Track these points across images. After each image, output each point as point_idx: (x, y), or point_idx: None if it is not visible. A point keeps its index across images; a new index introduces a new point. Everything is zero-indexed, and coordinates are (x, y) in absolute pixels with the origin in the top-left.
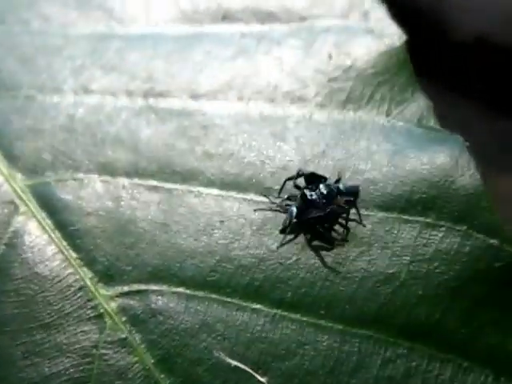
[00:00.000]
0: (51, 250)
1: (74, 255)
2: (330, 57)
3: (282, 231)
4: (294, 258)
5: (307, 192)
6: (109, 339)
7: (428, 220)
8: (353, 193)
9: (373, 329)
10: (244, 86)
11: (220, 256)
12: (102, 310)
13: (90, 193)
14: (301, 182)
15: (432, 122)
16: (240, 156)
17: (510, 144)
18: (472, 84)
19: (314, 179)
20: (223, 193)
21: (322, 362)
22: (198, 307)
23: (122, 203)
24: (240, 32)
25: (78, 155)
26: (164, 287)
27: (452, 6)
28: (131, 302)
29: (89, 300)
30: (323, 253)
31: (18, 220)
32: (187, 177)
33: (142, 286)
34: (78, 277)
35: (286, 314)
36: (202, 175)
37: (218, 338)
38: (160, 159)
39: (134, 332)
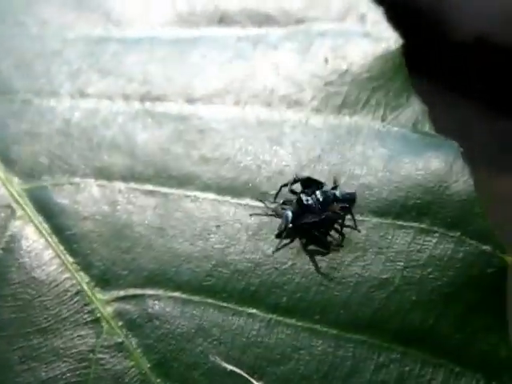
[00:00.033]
0: (48, 254)
1: (71, 260)
2: (327, 61)
3: (278, 236)
4: (290, 263)
5: (303, 197)
6: (105, 344)
7: (422, 226)
8: (349, 200)
9: (367, 334)
10: (240, 90)
11: (216, 261)
12: (98, 315)
13: (86, 197)
14: (297, 187)
15: (427, 127)
16: (236, 160)
17: (510, 144)
18: (472, 84)
19: (310, 184)
20: (219, 197)
21: (316, 366)
22: (194, 312)
23: (119, 207)
24: (236, 35)
25: (75, 159)
26: (160, 292)
27: (452, 6)
28: (127, 307)
29: (85, 304)
30: (318, 258)
31: (15, 224)
32: (183, 181)
33: (139, 291)
34: (74, 281)
35: (281, 318)
36: (198, 180)
37: (214, 342)
38: (156, 163)
39: (130, 336)
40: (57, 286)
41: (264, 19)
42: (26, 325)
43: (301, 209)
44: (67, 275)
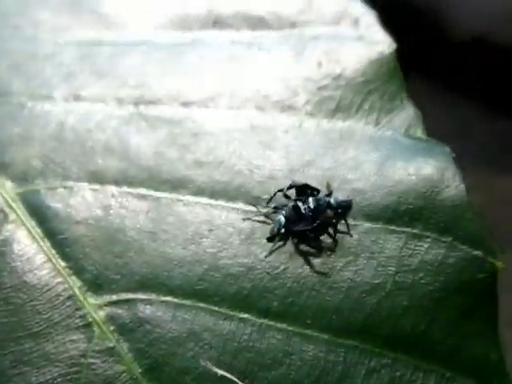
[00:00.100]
0: (40, 258)
1: (63, 264)
2: (320, 65)
3: (269, 240)
4: (282, 268)
5: (298, 204)
6: (97, 348)
7: (414, 231)
8: (345, 207)
9: (358, 339)
10: (234, 94)
11: (208, 265)
12: (90, 319)
13: (79, 201)
14: (291, 192)
15: (420, 132)
16: (230, 164)
17: (510, 144)
18: (472, 84)
19: (305, 190)
20: (212, 201)
21: (307, 371)
22: (186, 316)
23: (111, 212)
24: (230, 39)
25: (68, 163)
26: (152, 296)
27: (449, 5)
28: (119, 311)
29: (77, 309)
30: (310, 262)
31: (8, 228)
32: (177, 185)
33: (131, 295)
34: (66, 286)
35: (272, 323)
36: (191, 183)
37: (206, 346)
38: (150, 167)
39: (121, 341)
40: (49, 290)
41: (258, 23)
42: (18, 329)
43: (295, 215)
44: (59, 280)
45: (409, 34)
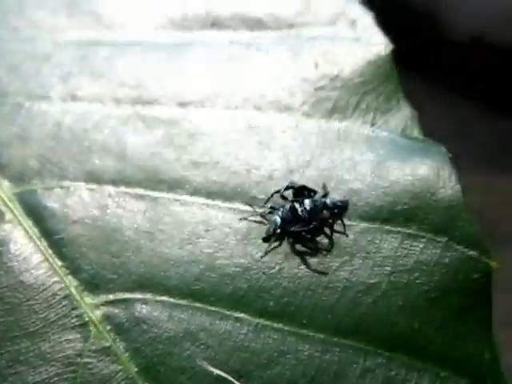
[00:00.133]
0: (37, 258)
1: (60, 263)
2: (317, 65)
3: (265, 240)
4: (278, 268)
5: (294, 205)
6: (93, 348)
7: (409, 231)
8: (341, 207)
9: (353, 338)
10: (231, 94)
11: (204, 265)
12: (86, 319)
13: (76, 201)
14: (288, 192)
15: (416, 132)
16: (226, 165)
17: (509, 144)
18: (472, 84)
19: (302, 191)
20: (209, 201)
21: (303, 371)
22: (182, 316)
23: (108, 211)
24: (228, 39)
25: (65, 163)
26: (148, 296)
27: (447, 6)
28: (116, 311)
29: (74, 308)
30: (306, 262)
31: (4, 228)
32: (173, 185)
33: (127, 295)
34: (63, 285)
35: (268, 323)
36: (188, 184)
37: (202, 346)
38: (147, 167)
39: (118, 340)
40: (45, 289)
41: (256, 24)
42: (14, 329)
43: (291, 216)
44: (56, 279)
45: (408, 35)
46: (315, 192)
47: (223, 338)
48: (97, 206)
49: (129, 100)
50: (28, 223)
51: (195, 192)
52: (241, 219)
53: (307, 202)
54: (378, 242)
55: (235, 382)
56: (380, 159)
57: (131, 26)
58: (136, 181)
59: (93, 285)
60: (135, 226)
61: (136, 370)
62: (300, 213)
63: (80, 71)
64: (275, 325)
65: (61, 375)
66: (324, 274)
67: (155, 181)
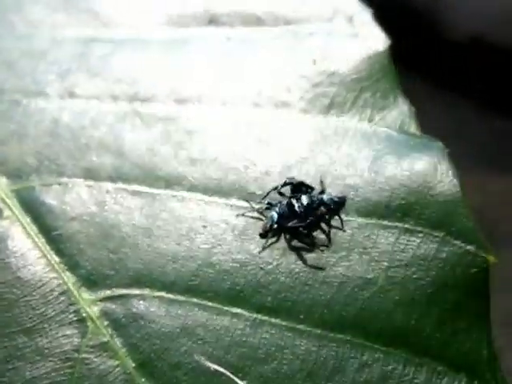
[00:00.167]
0: (35, 254)
1: (58, 260)
2: (314, 62)
3: (262, 236)
4: (275, 263)
5: (291, 201)
6: (90, 343)
7: (406, 226)
8: (338, 203)
9: (350, 333)
10: (228, 91)
11: (202, 261)
12: (84, 315)
13: (74, 197)
14: (285, 189)
15: (413, 128)
16: (223, 161)
17: (509, 144)
18: (471, 84)
19: (299, 188)
20: (206, 198)
21: (300, 365)
22: (179, 311)
23: (106, 208)
24: (226, 36)
25: (63, 160)
26: (146, 291)
27: (447, 6)
28: (113, 307)
29: (71, 304)
30: (303, 258)
31: (2, 225)
32: (171, 182)
33: (124, 291)
34: (61, 281)
35: (265, 318)
36: (185, 180)
37: (199, 342)
38: (144, 164)
39: (115, 336)
40: (43, 285)
41: (253, 20)
42: (11, 324)
43: (288, 211)
44: (53, 275)
45: (408, 35)
46: (312, 188)
47: (220, 334)
48: (94, 203)
49: (126, 97)
50: (26, 220)
51: (192, 188)
52: (238, 215)
53: (304, 197)
54: (374, 237)
55: (232, 376)
56: (377, 155)
57: (129, 23)
58: (133, 177)
59: (90, 281)
60: (133, 222)
61: (133, 365)
62: (297, 209)
63: (77, 68)
64: (272, 320)
65: (58, 371)
66: (321, 269)
67: (153, 177)
